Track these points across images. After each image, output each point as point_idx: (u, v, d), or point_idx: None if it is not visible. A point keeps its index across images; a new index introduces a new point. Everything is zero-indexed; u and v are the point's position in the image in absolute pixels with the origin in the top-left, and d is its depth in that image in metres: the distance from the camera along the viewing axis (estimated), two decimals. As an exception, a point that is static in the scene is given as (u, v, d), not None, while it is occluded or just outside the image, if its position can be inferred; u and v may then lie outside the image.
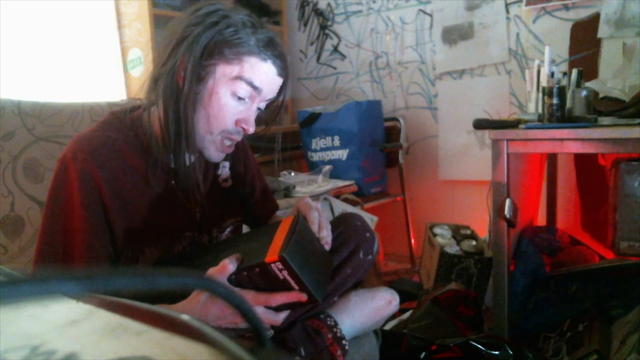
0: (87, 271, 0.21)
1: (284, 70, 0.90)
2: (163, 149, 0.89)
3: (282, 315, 0.79)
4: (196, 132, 0.87)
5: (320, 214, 0.88)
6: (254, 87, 0.86)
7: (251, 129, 0.89)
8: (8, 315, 0.28)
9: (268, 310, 0.77)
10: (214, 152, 0.90)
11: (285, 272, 0.73)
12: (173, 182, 0.93)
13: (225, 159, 1.04)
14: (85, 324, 0.27)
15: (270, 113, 0.96)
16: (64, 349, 0.23)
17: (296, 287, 0.75)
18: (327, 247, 0.85)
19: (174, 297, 0.78)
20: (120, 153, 0.87)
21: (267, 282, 0.75)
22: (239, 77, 0.85)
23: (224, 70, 0.84)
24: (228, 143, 0.91)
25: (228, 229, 1.05)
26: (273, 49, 0.87)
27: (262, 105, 0.91)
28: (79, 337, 0.25)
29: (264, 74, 0.87)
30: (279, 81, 0.90)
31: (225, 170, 1.05)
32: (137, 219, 0.88)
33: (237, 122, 0.88)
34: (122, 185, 0.86)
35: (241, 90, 0.85)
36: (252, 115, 0.89)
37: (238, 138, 0.91)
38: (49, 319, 0.28)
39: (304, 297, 0.76)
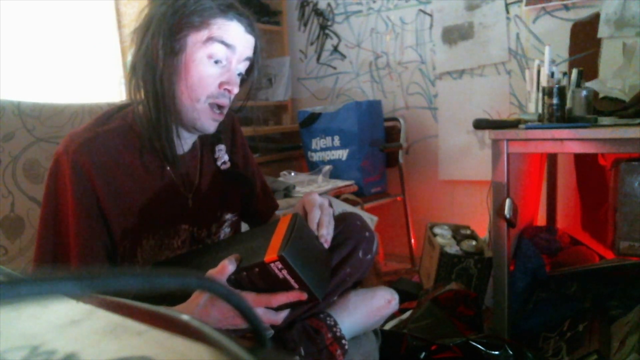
0: (87, 271, 0.21)
1: (252, 28, 0.92)
2: (154, 133, 0.90)
3: (282, 315, 0.79)
4: (182, 104, 0.88)
5: (323, 211, 0.88)
6: (227, 45, 0.88)
7: (235, 89, 0.90)
8: (8, 315, 0.28)
9: (268, 310, 0.78)
10: (207, 121, 0.91)
11: (284, 272, 0.73)
12: (168, 168, 0.94)
13: (219, 142, 1.05)
14: (85, 324, 0.27)
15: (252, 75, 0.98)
16: (64, 349, 0.23)
17: (296, 286, 0.75)
18: (326, 245, 0.85)
19: (173, 300, 0.78)
20: (113, 144, 0.88)
21: (267, 282, 0.75)
22: (210, 39, 0.87)
23: (194, 38, 0.87)
24: (217, 111, 0.91)
25: (226, 224, 1.06)
26: (235, 10, 0.89)
27: (242, 67, 0.92)
28: (79, 337, 0.25)
29: (232, 32, 0.89)
30: (249, 39, 0.92)
31: (222, 153, 1.05)
32: (132, 208, 0.89)
33: (220, 86, 0.89)
34: (115, 176, 0.87)
35: (216, 52, 0.87)
36: (233, 76, 0.90)
37: (225, 102, 0.91)
38: (49, 319, 0.28)
39: (304, 296, 0.76)
